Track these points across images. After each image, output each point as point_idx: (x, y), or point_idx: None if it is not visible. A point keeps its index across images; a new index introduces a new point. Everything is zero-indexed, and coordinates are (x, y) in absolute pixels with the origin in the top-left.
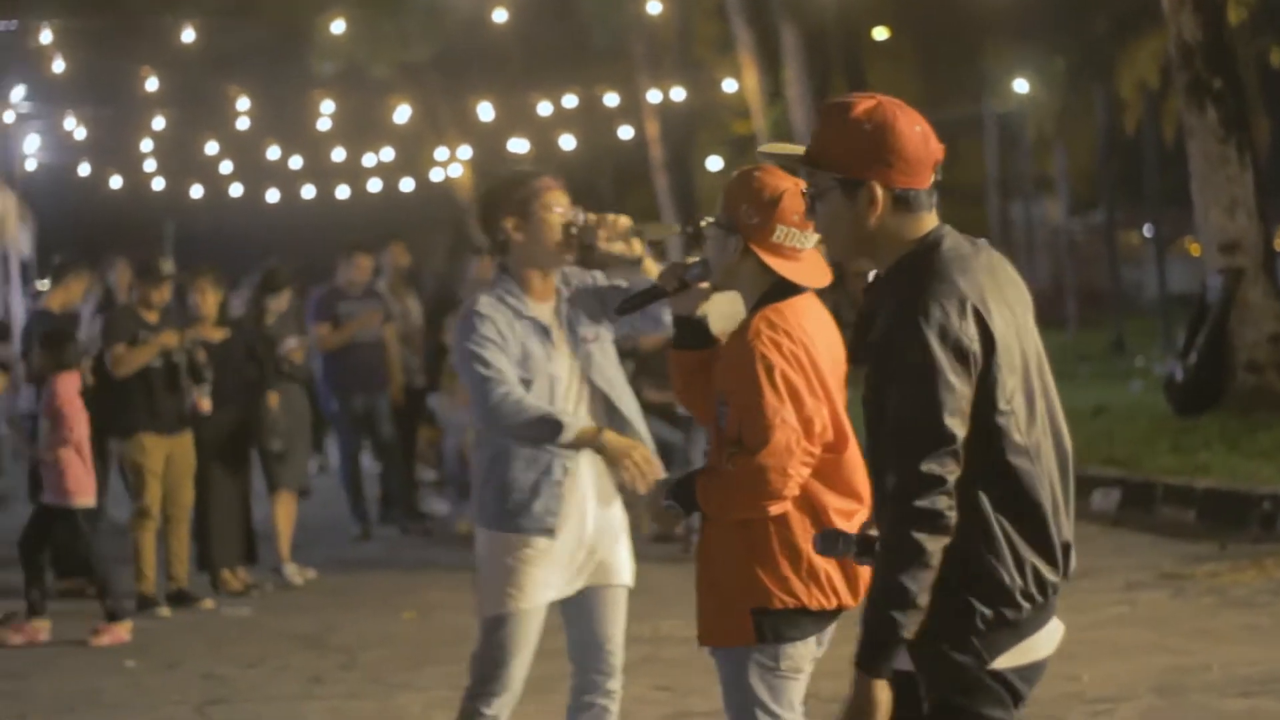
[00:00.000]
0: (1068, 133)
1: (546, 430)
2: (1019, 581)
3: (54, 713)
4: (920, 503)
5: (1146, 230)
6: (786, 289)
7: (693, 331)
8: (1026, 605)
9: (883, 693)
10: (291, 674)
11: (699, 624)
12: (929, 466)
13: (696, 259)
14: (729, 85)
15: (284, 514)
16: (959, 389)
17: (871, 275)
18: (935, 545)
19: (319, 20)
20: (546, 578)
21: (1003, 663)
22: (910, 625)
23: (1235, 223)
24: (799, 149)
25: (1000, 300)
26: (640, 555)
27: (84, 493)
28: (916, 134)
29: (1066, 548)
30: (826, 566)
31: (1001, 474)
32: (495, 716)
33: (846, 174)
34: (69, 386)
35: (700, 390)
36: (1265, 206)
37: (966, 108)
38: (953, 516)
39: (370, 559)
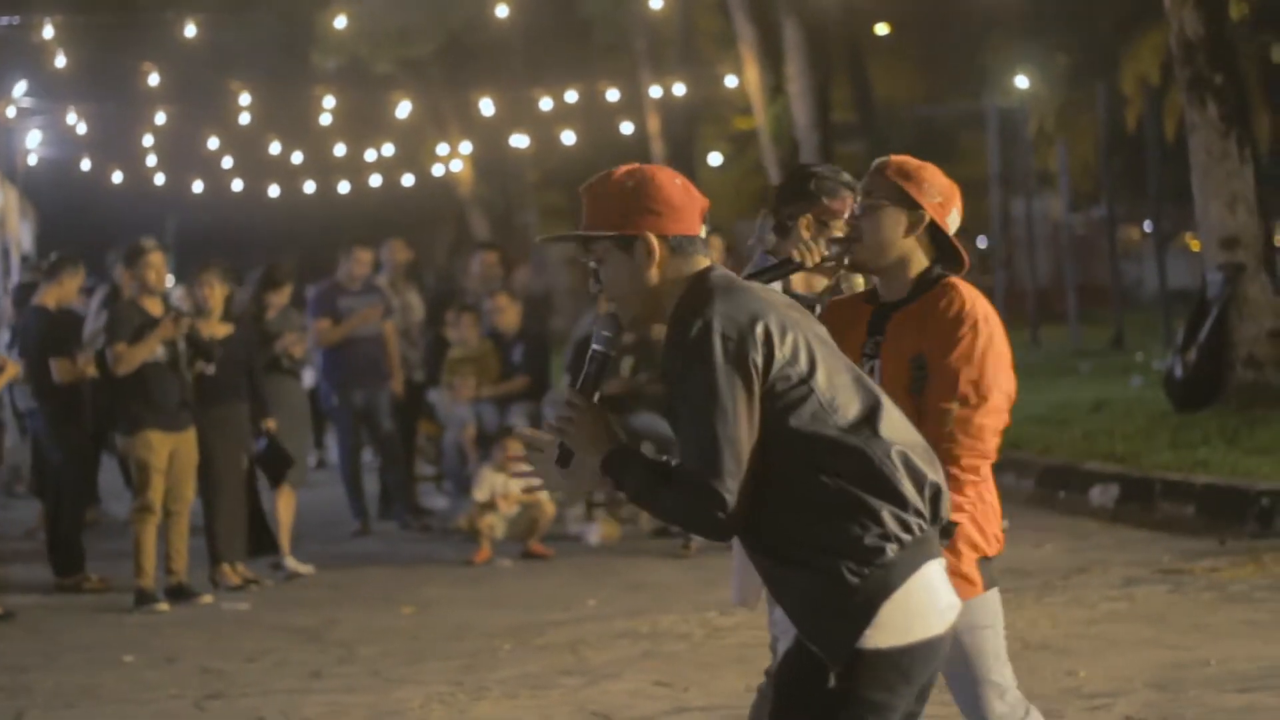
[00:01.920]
0: (1069, 128)
1: None
2: (874, 528)
3: (52, 708)
4: (703, 506)
5: (1147, 226)
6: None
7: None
8: (890, 545)
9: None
10: (290, 668)
11: None
12: (717, 485)
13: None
14: (730, 81)
15: (284, 508)
16: (741, 409)
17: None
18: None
19: (321, 15)
20: None
21: (885, 641)
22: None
23: (1235, 218)
24: (573, 233)
25: (774, 307)
26: (640, 550)
27: None
28: (677, 186)
29: (925, 487)
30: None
31: (828, 445)
32: None
33: (620, 231)
34: None
35: None
36: (1266, 202)
37: (968, 103)
38: (729, 525)
39: (369, 554)
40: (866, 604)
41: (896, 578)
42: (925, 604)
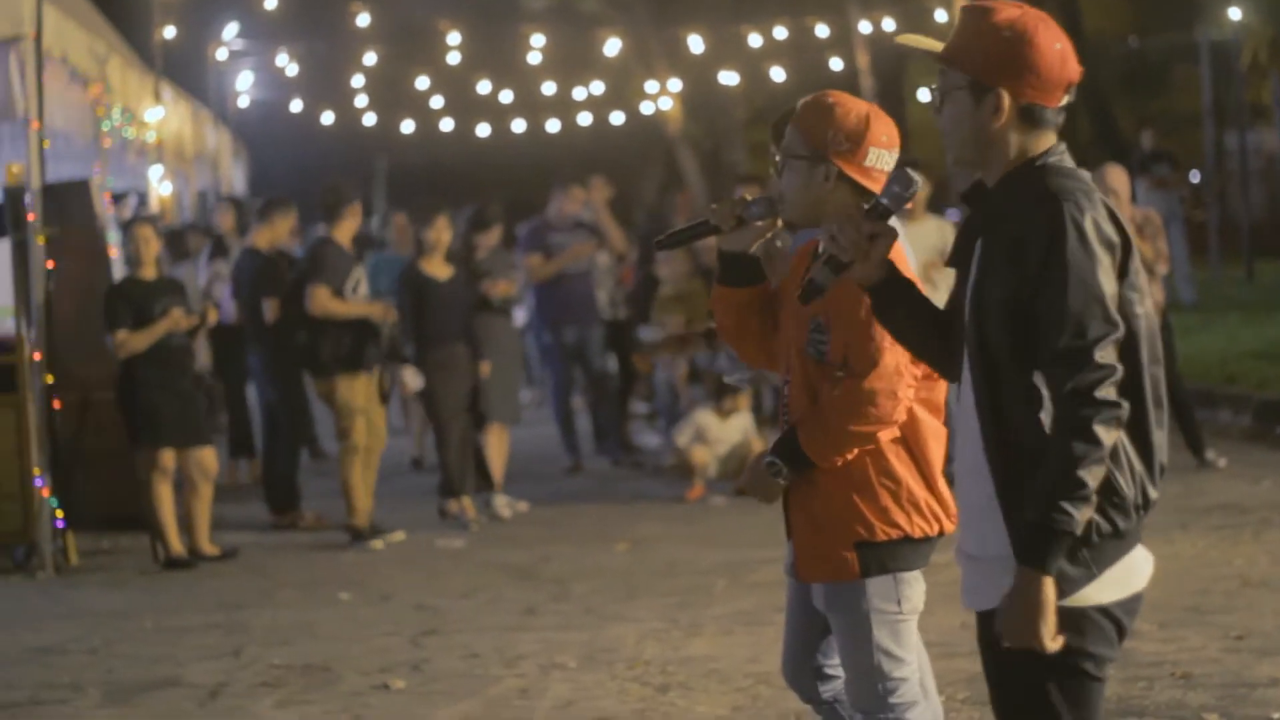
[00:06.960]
0: None
1: None
2: (1131, 491)
3: (269, 644)
4: (1099, 393)
5: None
6: None
7: (743, 269)
8: (1134, 516)
9: (1050, 590)
10: (504, 605)
11: (800, 563)
12: (1102, 355)
13: (757, 196)
14: (940, 15)
15: (496, 447)
16: (1112, 283)
17: (972, 183)
18: (1111, 439)
19: None
20: None
21: (1109, 596)
22: (1080, 522)
23: None
24: (935, 44)
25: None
26: None
27: None
28: (1055, 51)
29: (1162, 468)
30: (925, 494)
31: (1131, 381)
32: None
33: (977, 77)
34: None
35: (752, 328)
36: None
37: (1180, 35)
38: (1125, 410)
39: (582, 491)
40: (1092, 564)
41: (1124, 548)
42: (1139, 568)
